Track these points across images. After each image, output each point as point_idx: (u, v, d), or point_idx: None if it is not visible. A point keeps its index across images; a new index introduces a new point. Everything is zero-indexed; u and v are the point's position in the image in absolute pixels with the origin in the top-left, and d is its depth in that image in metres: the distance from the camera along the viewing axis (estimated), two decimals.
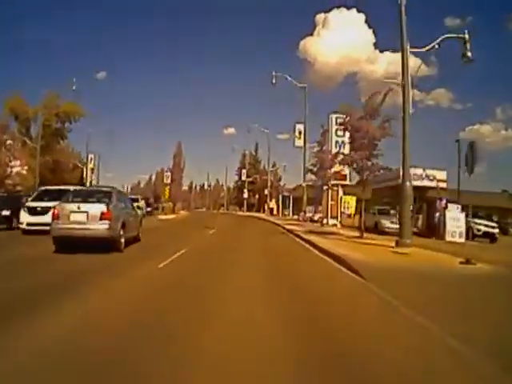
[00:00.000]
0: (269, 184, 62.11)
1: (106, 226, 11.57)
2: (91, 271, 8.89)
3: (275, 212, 61.03)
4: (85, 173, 74.14)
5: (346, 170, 32.46)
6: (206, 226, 26.24)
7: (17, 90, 45.47)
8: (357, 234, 22.78)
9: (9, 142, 41.68)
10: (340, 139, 35.08)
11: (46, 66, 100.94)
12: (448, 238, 25.48)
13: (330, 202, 33.88)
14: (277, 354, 4.13)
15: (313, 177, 29.31)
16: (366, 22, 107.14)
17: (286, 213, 56.64)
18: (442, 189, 34.56)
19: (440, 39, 16.39)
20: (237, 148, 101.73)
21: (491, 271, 10.22)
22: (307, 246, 16.23)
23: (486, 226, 29.82)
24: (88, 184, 76.30)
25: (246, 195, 77.24)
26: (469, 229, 27.36)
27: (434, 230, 28.42)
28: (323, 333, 4.98)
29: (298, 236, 20.43)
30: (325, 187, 32.24)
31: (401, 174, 15.58)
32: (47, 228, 12.16)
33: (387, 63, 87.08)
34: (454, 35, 16.41)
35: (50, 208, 13.95)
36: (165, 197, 45.25)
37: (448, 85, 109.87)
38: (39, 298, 6.26)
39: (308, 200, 38.90)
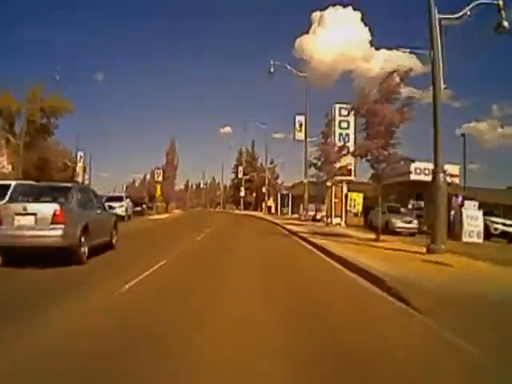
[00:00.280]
0: (266, 181, 59.42)
1: (60, 232, 8.84)
2: (23, 297, 6.29)
3: (273, 210, 58.37)
4: (76, 172, 72.03)
5: (352, 165, 29.98)
6: (199, 226, 23.54)
7: (1, 84, 42.51)
8: (368, 235, 20.22)
9: None
10: (344, 132, 32.52)
11: (43, 66, 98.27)
12: (465, 238, 23.08)
13: (333, 200, 31.21)
14: None
15: (317, 172, 26.52)
16: (362, 19, 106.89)
17: (285, 211, 53.88)
18: (456, 185, 32.04)
19: (472, 5, 13.72)
20: (233, 146, 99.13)
21: None
22: (318, 252, 13.44)
23: (504, 224, 27.20)
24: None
25: (242, 193, 74.62)
26: (485, 228, 25.09)
27: (448, 229, 25.99)
28: None
29: (303, 239, 17.70)
30: (328, 183, 29.56)
31: (433, 163, 12.77)
32: None
33: (383, 61, 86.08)
34: (488, 1, 13.77)
35: None
36: (157, 195, 42.25)
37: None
38: None
39: (309, 198, 36.26)
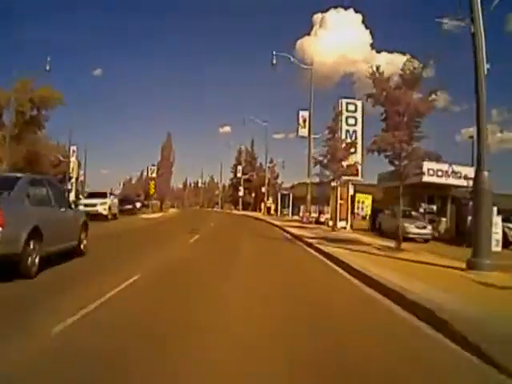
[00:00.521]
0: (266, 181, 57.10)
1: None
2: None
3: (272, 211, 56.03)
4: (71, 167, 69.52)
5: (360, 164, 27.64)
6: (192, 228, 21.26)
7: None
8: (383, 241, 18.09)
9: None
10: (351, 128, 30.16)
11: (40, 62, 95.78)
12: None
13: (338, 202, 28.90)
14: None
15: (323, 171, 24.22)
16: (363, 22, 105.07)
17: (286, 212, 51.53)
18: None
19: None
20: (233, 145, 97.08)
21: None
22: (332, 265, 11.10)
23: None
24: (73, 181, 71.79)
25: (241, 193, 72.32)
26: (503, 235, 23.17)
27: (464, 236, 23.83)
28: None
29: (310, 245, 15.41)
30: (333, 183, 27.27)
31: (475, 159, 10.43)
32: None
33: (384, 64, 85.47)
34: None
35: None
36: (150, 193, 39.68)
37: (444, 86, 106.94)
38: None
39: (311, 199, 33.95)
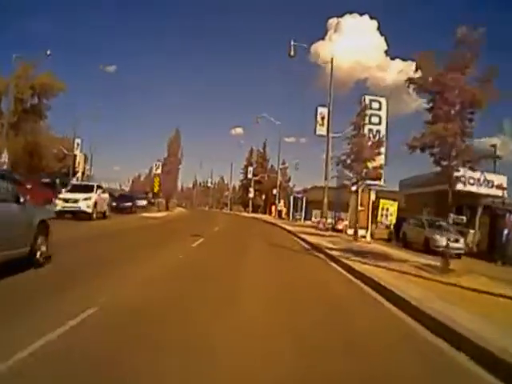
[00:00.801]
0: (278, 183, 54.36)
1: None
2: None
3: (284, 215, 53.29)
4: (76, 161, 67.34)
5: (383, 168, 24.87)
6: (196, 231, 18.60)
7: None
8: (416, 256, 15.56)
9: None
10: (375, 128, 27.30)
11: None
12: None
13: (358, 208, 26.14)
14: None
15: (346, 172, 21.47)
16: (378, 29, 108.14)
17: (298, 217, 48.71)
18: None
19: None
20: (244, 145, 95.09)
21: None
22: (369, 290, 8.43)
23: None
24: (80, 175, 69.60)
25: (251, 195, 69.62)
26: None
27: (499, 251, 21.11)
28: None
29: (333, 259, 12.72)
30: (353, 188, 24.54)
31: None
32: None
33: (397, 70, 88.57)
34: None
35: None
36: (155, 190, 36.85)
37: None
38: None
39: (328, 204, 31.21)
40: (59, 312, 4.88)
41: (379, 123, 27.91)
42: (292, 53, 29.78)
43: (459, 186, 27.52)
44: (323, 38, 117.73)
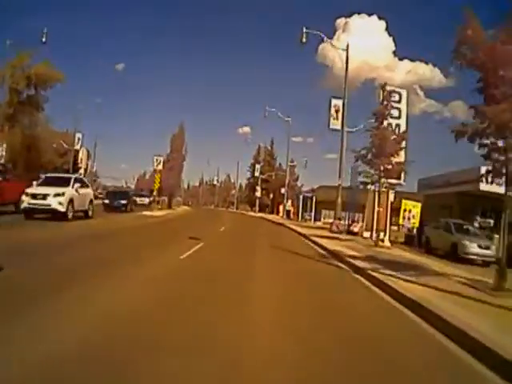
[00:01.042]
0: (287, 181, 52.01)
1: None
2: None
3: (292, 215, 50.92)
4: (79, 157, 65.45)
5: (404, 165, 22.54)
6: (196, 233, 16.30)
7: None
8: (451, 267, 13.25)
9: None
10: (394, 122, 24.86)
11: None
12: None
13: (376, 209, 23.83)
14: None
15: (365, 168, 19.13)
16: (387, 29, 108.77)
17: (308, 217, 46.37)
18: None
19: None
20: (251, 142, 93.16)
21: None
22: (428, 327, 6.14)
23: None
24: (82, 171, 67.69)
25: (258, 193, 67.27)
26: None
27: None
28: None
29: (358, 272, 10.43)
30: (372, 187, 22.24)
31: None
32: None
33: (406, 71, 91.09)
34: None
35: None
36: (155, 187, 34.52)
37: (465, 97, 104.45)
38: None
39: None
40: None
41: (399, 117, 25.48)
42: (304, 39, 27.71)
43: (488, 187, 25.11)
44: (331, 38, 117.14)
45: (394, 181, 22.12)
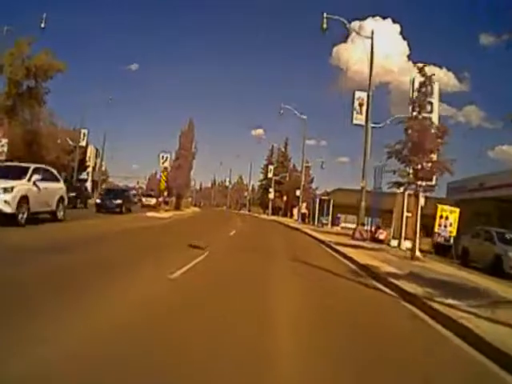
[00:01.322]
0: (302, 183, 49.28)
1: None
2: None
3: (307, 219, 48.15)
4: (87, 155, 63.14)
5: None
6: (199, 240, 13.64)
7: None
8: None
9: None
10: (426, 116, 22.28)
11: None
12: None
13: (405, 214, 21.08)
14: None
15: (400, 166, 16.31)
16: (401, 33, 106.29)
17: (325, 222, 43.52)
18: None
19: None
20: (264, 142, 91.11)
21: None
22: None
23: None
24: (90, 170, 65.44)
25: (271, 195, 64.74)
26: None
27: None
28: None
29: (414, 302, 7.62)
30: (400, 190, 19.56)
31: None
32: None
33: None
34: None
35: None
36: (161, 186, 31.86)
37: (479, 102, 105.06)
38: None
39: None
40: None
41: (430, 111, 22.66)
42: (325, 25, 25.14)
43: None
44: (345, 41, 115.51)
45: (429, 183, 19.35)
